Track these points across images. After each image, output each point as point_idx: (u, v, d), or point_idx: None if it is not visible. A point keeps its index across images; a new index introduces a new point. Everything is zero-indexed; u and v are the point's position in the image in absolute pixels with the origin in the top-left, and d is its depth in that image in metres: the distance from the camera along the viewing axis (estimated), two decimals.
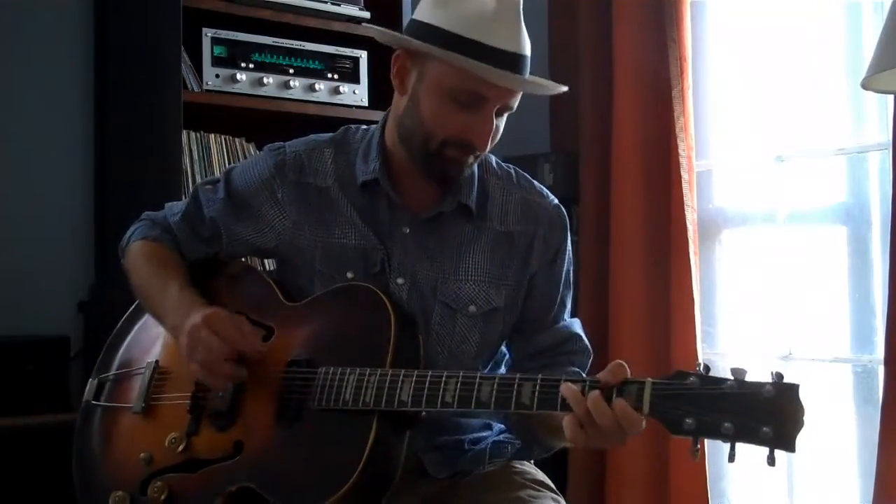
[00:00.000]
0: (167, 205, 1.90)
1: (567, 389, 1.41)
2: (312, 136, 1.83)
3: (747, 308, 2.99)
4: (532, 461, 1.84)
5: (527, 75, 1.64)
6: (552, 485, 1.76)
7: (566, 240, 1.81)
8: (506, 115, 1.68)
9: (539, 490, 1.71)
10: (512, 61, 1.59)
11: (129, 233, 1.90)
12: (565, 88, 1.71)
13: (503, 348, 1.83)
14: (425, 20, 1.63)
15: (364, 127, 1.83)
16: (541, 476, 1.77)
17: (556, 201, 1.82)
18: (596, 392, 1.39)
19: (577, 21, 3.18)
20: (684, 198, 2.84)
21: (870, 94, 2.21)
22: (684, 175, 2.85)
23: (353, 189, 1.75)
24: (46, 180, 2.92)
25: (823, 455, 2.82)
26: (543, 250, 1.77)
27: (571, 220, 3.16)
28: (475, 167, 1.75)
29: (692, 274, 2.82)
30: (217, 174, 2.22)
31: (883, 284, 2.56)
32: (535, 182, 1.84)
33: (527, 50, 1.62)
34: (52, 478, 1.91)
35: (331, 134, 1.83)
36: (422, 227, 1.73)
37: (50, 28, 2.93)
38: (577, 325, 1.81)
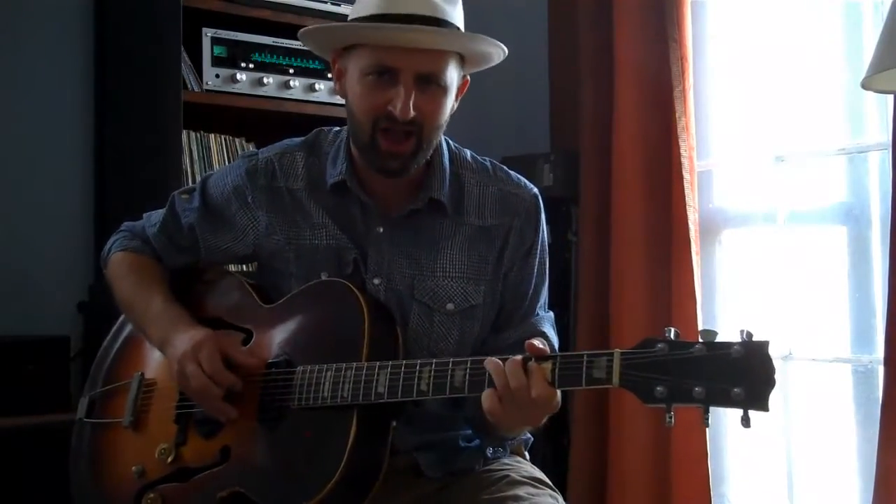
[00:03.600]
0: (145, 214, 1.91)
1: (490, 362, 1.45)
2: (285, 141, 1.84)
3: (748, 308, 2.98)
4: (525, 456, 1.84)
5: (452, 31, 1.62)
6: (550, 482, 1.75)
7: (541, 232, 1.79)
8: (439, 88, 1.64)
9: (538, 487, 1.71)
10: (406, 22, 1.59)
11: (109, 244, 1.91)
12: (482, 46, 1.67)
13: None
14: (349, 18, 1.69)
15: (336, 129, 1.83)
16: (538, 473, 1.77)
17: (535, 190, 1.80)
18: (513, 359, 1.43)
19: (577, 21, 3.18)
20: (686, 198, 2.84)
21: (870, 94, 2.21)
22: (685, 175, 2.84)
23: (325, 191, 1.75)
24: (46, 181, 2.92)
25: (823, 455, 2.82)
26: (518, 243, 1.76)
27: (571, 219, 3.16)
28: (446, 163, 1.75)
29: (694, 274, 2.82)
30: None
31: (883, 284, 2.56)
32: (513, 173, 1.82)
33: (431, 11, 1.61)
34: (52, 478, 1.91)
35: (303, 137, 1.83)
36: (396, 226, 1.73)
37: (50, 28, 2.93)
38: (547, 322, 1.79)
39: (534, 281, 1.78)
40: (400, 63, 1.60)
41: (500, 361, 1.45)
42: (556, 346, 1.77)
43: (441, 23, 1.62)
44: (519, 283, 1.77)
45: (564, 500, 1.73)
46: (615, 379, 1.36)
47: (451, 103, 1.69)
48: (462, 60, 1.70)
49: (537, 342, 1.47)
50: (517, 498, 1.66)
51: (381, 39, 1.61)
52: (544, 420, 1.53)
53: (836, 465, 2.80)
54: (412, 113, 1.61)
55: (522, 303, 1.77)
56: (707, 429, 2.77)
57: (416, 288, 1.71)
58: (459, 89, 1.72)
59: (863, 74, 2.01)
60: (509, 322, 1.77)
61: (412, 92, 1.60)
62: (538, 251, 1.79)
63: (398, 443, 1.62)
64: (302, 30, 1.73)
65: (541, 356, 1.44)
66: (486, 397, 1.45)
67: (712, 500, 2.79)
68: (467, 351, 1.73)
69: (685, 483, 2.81)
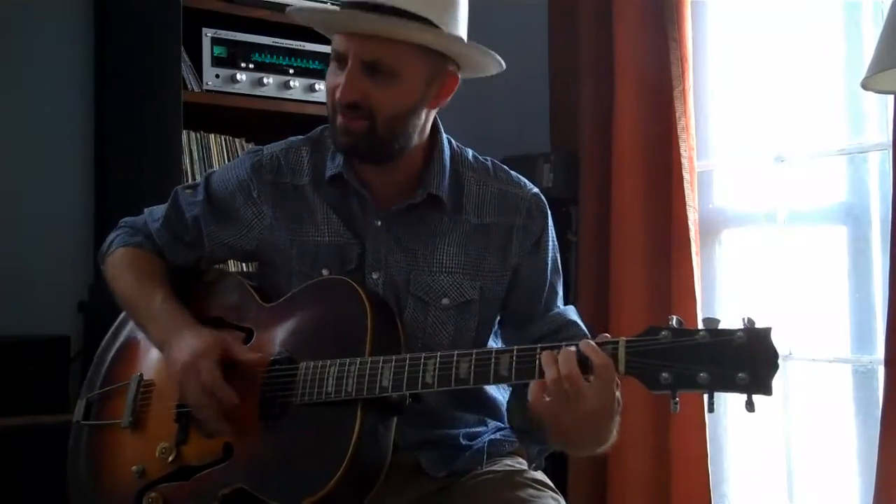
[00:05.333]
0: (146, 210, 1.91)
1: (545, 355, 1.43)
2: (290, 138, 1.85)
3: (748, 308, 2.98)
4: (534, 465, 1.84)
5: (383, 16, 1.60)
6: (552, 484, 1.75)
7: (547, 227, 1.80)
8: (387, 76, 1.62)
9: (539, 489, 1.71)
10: (353, 6, 1.61)
11: (109, 240, 1.91)
12: (418, 36, 1.63)
13: (492, 343, 1.82)
14: None
15: None
16: (540, 476, 1.76)
17: (535, 190, 1.81)
18: (571, 349, 1.40)
19: (577, 21, 3.18)
20: (686, 198, 2.84)
21: (870, 94, 2.21)
22: (686, 175, 2.85)
23: (326, 186, 1.76)
24: (46, 180, 2.92)
25: (823, 455, 2.82)
26: (524, 240, 1.76)
27: (571, 219, 3.15)
28: (446, 160, 1.75)
29: (694, 274, 2.82)
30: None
31: (883, 284, 2.56)
32: (513, 173, 1.83)
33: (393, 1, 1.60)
34: (52, 478, 1.91)
35: (308, 134, 1.84)
36: (394, 220, 1.74)
37: (50, 28, 2.93)
38: (572, 312, 1.79)
39: (548, 276, 1.79)
40: (344, 48, 1.64)
41: (552, 353, 1.43)
42: (587, 332, 1.75)
43: (395, 11, 1.60)
44: (533, 277, 1.77)
45: (565, 501, 1.72)
46: (621, 366, 1.38)
47: (412, 94, 1.66)
48: (444, 58, 1.68)
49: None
50: (519, 500, 1.66)
51: (328, 25, 1.67)
52: (611, 429, 1.50)
53: (836, 465, 2.80)
54: (349, 97, 1.62)
55: (539, 297, 1.78)
56: (708, 428, 2.77)
57: (411, 282, 1.72)
58: (442, 86, 1.70)
59: (863, 74, 2.02)
60: (530, 317, 1.77)
61: (353, 77, 1.62)
62: (548, 246, 1.79)
63: (400, 440, 1.62)
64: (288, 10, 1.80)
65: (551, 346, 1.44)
66: (532, 388, 1.44)
67: (712, 500, 2.79)
68: (464, 348, 1.72)
69: (685, 483, 2.81)
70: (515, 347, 1.48)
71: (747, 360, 1.30)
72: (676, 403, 1.34)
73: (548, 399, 1.42)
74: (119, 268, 1.85)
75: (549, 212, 1.81)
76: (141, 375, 1.81)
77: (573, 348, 1.41)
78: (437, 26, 1.63)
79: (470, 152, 1.83)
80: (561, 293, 1.82)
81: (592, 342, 1.41)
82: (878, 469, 2.40)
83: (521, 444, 1.77)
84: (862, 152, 2.73)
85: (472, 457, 1.74)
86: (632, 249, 2.96)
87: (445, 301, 1.72)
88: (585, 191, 3.12)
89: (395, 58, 1.62)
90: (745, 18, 2.99)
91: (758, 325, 1.32)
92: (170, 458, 1.69)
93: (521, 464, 1.79)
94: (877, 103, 2.65)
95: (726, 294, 3.04)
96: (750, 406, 1.30)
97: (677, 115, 2.86)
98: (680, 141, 2.86)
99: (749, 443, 2.96)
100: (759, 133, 2.94)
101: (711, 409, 1.34)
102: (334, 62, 1.67)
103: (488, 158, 1.84)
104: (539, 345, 1.46)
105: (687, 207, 2.83)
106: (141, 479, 1.71)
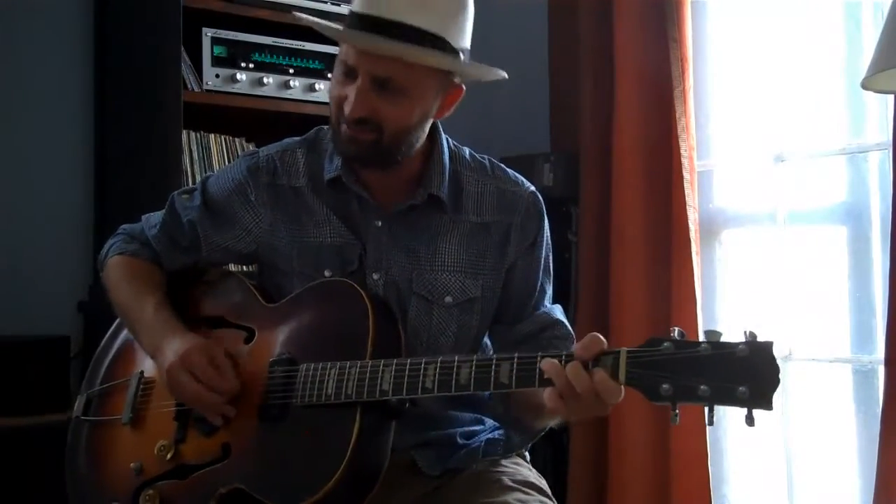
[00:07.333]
0: (143, 217, 1.91)
1: (547, 363, 1.43)
2: (286, 140, 1.85)
3: (748, 308, 2.98)
4: (524, 457, 1.84)
5: (401, 43, 1.58)
6: (545, 487, 1.76)
7: (543, 226, 1.81)
8: (399, 93, 1.62)
9: (528, 493, 1.70)
10: (368, 23, 1.60)
11: (106, 247, 1.91)
12: (433, 61, 1.62)
13: (486, 340, 1.83)
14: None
15: None
16: (533, 478, 1.77)
17: (532, 188, 1.82)
18: (575, 363, 1.41)
19: (577, 21, 3.18)
20: (686, 198, 2.84)
21: (870, 94, 2.21)
22: (686, 175, 2.85)
23: (325, 187, 1.76)
24: (46, 180, 2.92)
25: (823, 455, 2.82)
26: (521, 239, 1.77)
27: (571, 219, 3.15)
28: (446, 160, 1.76)
29: (694, 274, 2.82)
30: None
31: (883, 284, 2.56)
32: (510, 171, 1.83)
33: (400, 16, 1.59)
34: (52, 478, 1.91)
35: (303, 136, 1.84)
36: (395, 221, 1.74)
37: (50, 28, 2.93)
38: (557, 312, 1.80)
39: (540, 276, 1.80)
40: (355, 62, 1.62)
41: (556, 363, 1.42)
42: (571, 332, 1.78)
43: (413, 30, 1.59)
44: (526, 276, 1.78)
45: (565, 501, 1.72)
46: (621, 376, 1.37)
47: (420, 109, 1.66)
48: (451, 72, 1.68)
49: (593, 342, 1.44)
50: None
51: (341, 39, 1.66)
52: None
53: (836, 465, 2.80)
54: (359, 113, 1.62)
55: (532, 295, 1.79)
56: (708, 429, 2.77)
57: (414, 281, 1.72)
58: (447, 97, 1.71)
59: (863, 74, 2.02)
60: (520, 315, 1.78)
61: (364, 93, 1.61)
62: (542, 245, 1.80)
63: (395, 441, 1.62)
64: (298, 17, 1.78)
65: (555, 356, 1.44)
66: (550, 397, 1.43)
67: (713, 500, 2.79)
68: (466, 345, 1.75)
69: (685, 484, 2.81)
70: (516, 355, 1.47)
71: (748, 374, 1.30)
72: (676, 415, 1.34)
73: (565, 404, 1.43)
74: (115, 277, 1.85)
75: (544, 211, 1.82)
76: (142, 373, 1.81)
77: (577, 363, 1.41)
78: (450, 44, 1.63)
79: (467, 151, 1.83)
80: (550, 292, 1.83)
81: (602, 372, 1.39)
82: (878, 469, 2.40)
83: (504, 431, 1.77)
84: (862, 152, 2.73)
85: (468, 455, 1.74)
86: (632, 249, 2.96)
87: (448, 299, 1.72)
88: (585, 191, 3.12)
89: (406, 77, 1.62)
90: (745, 18, 3.00)
91: (760, 339, 1.31)
92: (168, 456, 1.69)
93: (517, 465, 1.79)
94: (877, 103, 2.65)
95: (726, 294, 3.04)
96: (750, 420, 1.30)
97: (677, 115, 2.86)
98: (680, 141, 2.86)
99: (749, 443, 2.96)
100: (759, 133, 2.94)
101: (711, 422, 1.34)
102: (342, 73, 1.65)
103: (485, 157, 1.84)
104: (539, 353, 1.46)
105: (687, 207, 2.83)
106: (139, 477, 1.71)
